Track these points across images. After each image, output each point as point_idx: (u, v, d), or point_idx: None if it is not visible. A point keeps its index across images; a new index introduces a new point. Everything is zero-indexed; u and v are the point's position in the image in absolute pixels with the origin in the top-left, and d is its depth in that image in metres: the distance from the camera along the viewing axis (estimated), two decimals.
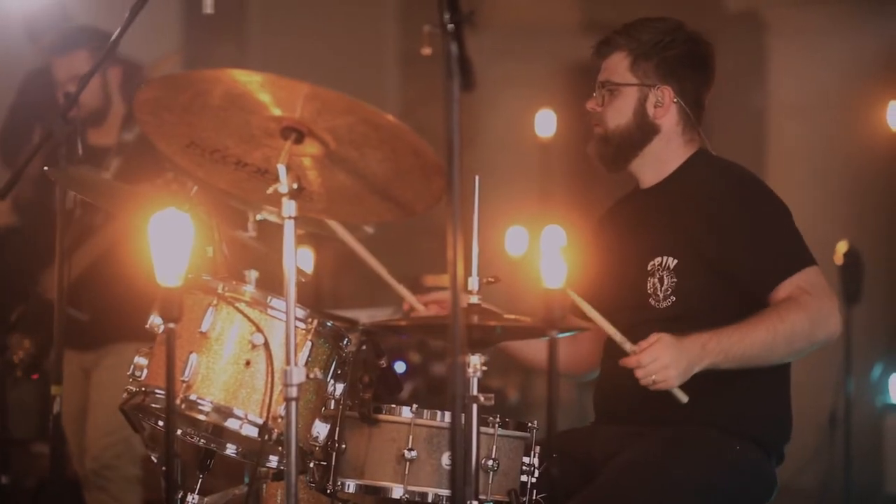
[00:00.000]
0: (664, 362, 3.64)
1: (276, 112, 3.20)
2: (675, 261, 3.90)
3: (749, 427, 3.88)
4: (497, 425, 3.63)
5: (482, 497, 3.58)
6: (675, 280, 3.90)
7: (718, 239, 3.85)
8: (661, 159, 4.04)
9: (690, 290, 3.89)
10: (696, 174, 4.01)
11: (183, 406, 3.53)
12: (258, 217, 4.34)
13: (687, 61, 4.02)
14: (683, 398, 3.69)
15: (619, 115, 4.01)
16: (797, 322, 3.72)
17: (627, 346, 3.70)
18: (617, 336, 3.74)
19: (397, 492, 3.59)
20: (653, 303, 3.93)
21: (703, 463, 3.80)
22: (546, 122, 7.98)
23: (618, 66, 4.03)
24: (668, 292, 3.91)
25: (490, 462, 3.61)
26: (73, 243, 5.45)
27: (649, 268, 3.94)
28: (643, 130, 4.01)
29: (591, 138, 4.08)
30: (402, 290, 3.97)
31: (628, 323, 3.94)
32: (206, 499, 3.77)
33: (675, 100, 4.00)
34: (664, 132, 4.02)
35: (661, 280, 3.92)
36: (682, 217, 3.94)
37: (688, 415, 3.79)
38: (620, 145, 4.02)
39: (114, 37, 4.04)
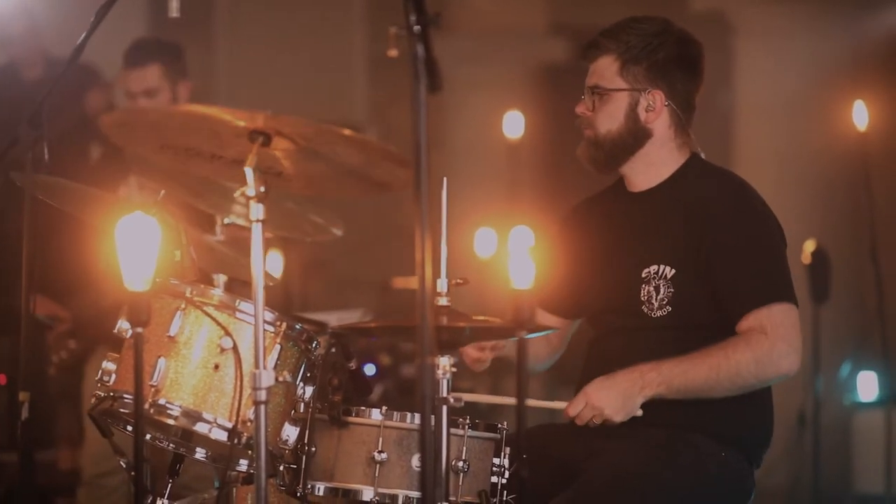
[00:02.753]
0: (595, 406, 3.75)
1: (241, 123, 3.21)
2: (673, 271, 3.88)
3: (734, 433, 3.88)
4: (467, 426, 3.64)
5: (452, 498, 3.58)
6: (671, 290, 3.87)
7: (708, 254, 3.85)
8: (654, 163, 3.99)
9: (687, 302, 3.87)
10: (693, 183, 3.97)
11: (151, 410, 3.52)
12: (226, 220, 4.34)
13: (676, 63, 3.96)
14: (638, 413, 3.79)
15: (611, 119, 3.95)
16: (742, 362, 3.75)
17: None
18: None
19: (368, 494, 3.58)
20: (646, 310, 3.90)
21: (690, 468, 3.80)
22: (514, 124, 8.01)
23: (606, 70, 3.95)
24: (664, 302, 3.88)
25: (460, 463, 3.61)
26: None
27: (644, 275, 3.91)
28: (635, 135, 3.96)
29: (581, 141, 4.02)
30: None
31: (618, 326, 3.97)
32: (175, 503, 3.76)
33: (666, 103, 3.95)
34: (657, 136, 3.97)
35: (656, 289, 3.89)
36: (680, 227, 3.91)
37: (674, 419, 3.82)
38: (612, 150, 3.97)
39: (79, 41, 4.02)
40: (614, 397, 3.75)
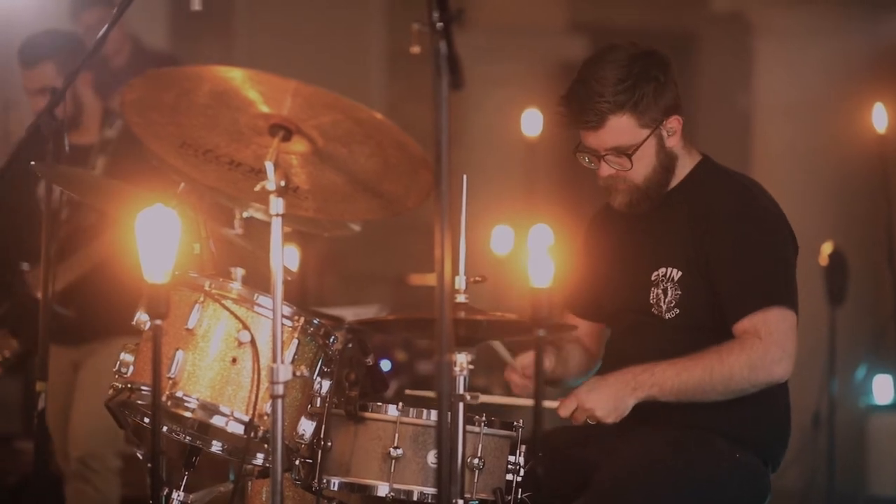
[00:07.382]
0: (586, 408, 3.73)
1: (264, 109, 3.20)
2: (680, 273, 3.88)
3: (751, 436, 3.88)
4: (483, 424, 3.63)
5: (468, 495, 3.58)
6: (679, 292, 3.87)
7: (709, 256, 3.84)
8: (676, 175, 3.96)
9: (695, 303, 3.86)
10: (701, 186, 3.95)
11: (169, 403, 3.52)
12: (245, 214, 4.34)
13: (666, 81, 3.89)
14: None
15: (646, 166, 3.89)
16: (735, 366, 3.74)
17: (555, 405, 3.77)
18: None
19: (383, 490, 3.58)
20: (656, 313, 3.90)
21: (705, 466, 3.81)
22: (532, 122, 8.01)
23: (624, 128, 3.85)
24: (672, 304, 3.88)
25: (476, 461, 3.61)
26: (63, 245, 5.42)
27: (653, 278, 3.92)
28: (667, 166, 3.91)
29: (614, 195, 3.93)
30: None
31: (632, 323, 3.98)
32: (191, 496, 3.76)
33: (681, 120, 3.92)
34: (679, 152, 3.94)
35: (664, 291, 3.89)
36: (686, 229, 3.90)
37: (691, 419, 3.82)
38: (656, 189, 3.92)
39: (101, 33, 4.03)
40: (606, 399, 3.74)
